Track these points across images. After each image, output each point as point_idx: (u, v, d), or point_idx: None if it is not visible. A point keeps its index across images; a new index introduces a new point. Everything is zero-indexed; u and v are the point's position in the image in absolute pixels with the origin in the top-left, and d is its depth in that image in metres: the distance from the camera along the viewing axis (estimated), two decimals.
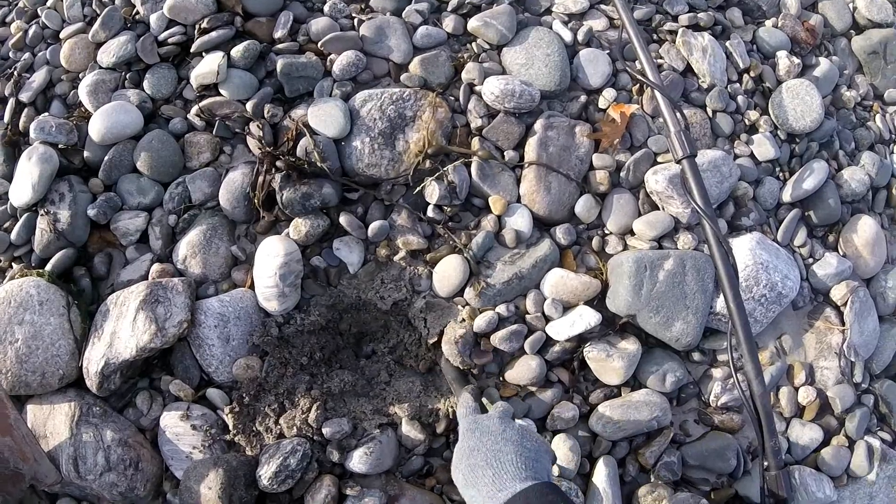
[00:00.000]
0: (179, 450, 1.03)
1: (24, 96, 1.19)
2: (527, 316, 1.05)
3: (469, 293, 1.04)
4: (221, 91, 1.11)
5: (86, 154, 1.14)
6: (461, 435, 0.81)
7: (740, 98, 1.25)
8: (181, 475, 1.01)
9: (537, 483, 0.68)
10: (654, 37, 1.27)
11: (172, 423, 1.03)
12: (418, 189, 1.06)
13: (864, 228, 1.27)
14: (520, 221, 1.07)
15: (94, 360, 1.02)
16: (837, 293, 1.21)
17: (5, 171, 1.17)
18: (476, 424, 0.79)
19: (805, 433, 1.14)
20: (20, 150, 1.16)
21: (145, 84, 1.15)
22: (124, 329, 1.02)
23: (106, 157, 1.12)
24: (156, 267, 1.07)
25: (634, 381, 1.09)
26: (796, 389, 1.17)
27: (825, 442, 1.14)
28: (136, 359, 1.01)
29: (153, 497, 1.05)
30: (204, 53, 1.14)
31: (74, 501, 1.07)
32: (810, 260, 1.24)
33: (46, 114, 1.18)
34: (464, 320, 1.04)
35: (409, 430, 1.02)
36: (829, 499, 1.10)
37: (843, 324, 1.21)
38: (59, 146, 1.13)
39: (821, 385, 1.18)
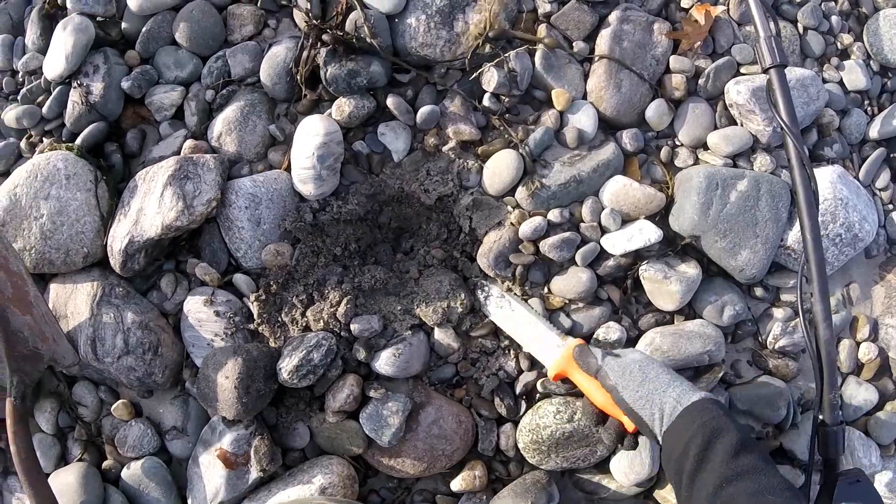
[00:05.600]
0: (201, 336, 0.98)
1: None
2: (581, 224, 0.96)
3: (521, 193, 0.96)
4: None
5: (123, 25, 1.07)
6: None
7: (834, 18, 1.12)
8: (200, 363, 0.96)
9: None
10: None
11: (196, 308, 0.98)
12: (475, 75, 0.97)
13: None
14: (584, 120, 0.98)
15: (118, 238, 0.97)
16: None
17: (41, 45, 1.12)
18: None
19: (860, 393, 1.04)
20: (56, 23, 1.10)
21: None
22: (151, 206, 0.96)
23: (144, 28, 1.06)
24: (189, 143, 1.01)
25: (689, 310, 1.00)
26: (858, 344, 1.07)
27: (879, 406, 1.05)
28: (161, 237, 0.95)
29: (171, 384, 1.01)
30: None
31: (92, 385, 1.04)
32: (890, 206, 1.12)
33: None
34: (512, 224, 0.96)
35: (443, 337, 0.95)
36: (873, 467, 1.01)
37: None
38: (97, 17, 1.07)
39: (883, 343, 1.08)
